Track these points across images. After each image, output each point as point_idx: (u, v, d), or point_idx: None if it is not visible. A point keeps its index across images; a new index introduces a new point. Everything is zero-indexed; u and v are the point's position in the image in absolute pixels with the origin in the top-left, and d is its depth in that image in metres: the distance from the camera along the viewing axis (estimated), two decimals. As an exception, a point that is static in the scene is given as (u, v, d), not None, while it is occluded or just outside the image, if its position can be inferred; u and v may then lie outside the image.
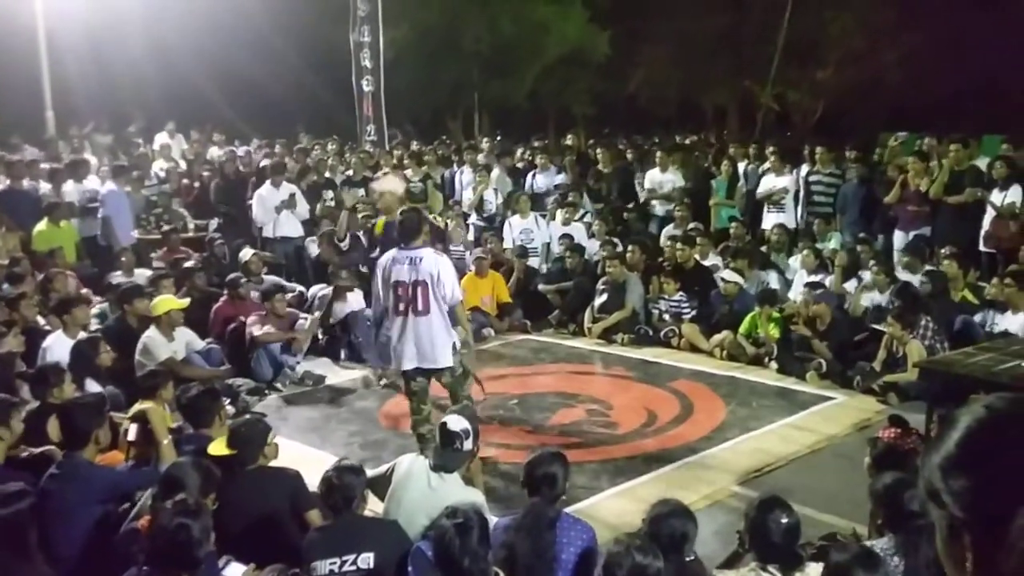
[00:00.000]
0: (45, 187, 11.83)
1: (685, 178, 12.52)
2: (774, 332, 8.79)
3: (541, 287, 10.93)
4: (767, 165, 12.12)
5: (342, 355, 9.38)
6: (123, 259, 10.03)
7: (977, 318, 8.08)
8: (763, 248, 10.77)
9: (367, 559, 4.03)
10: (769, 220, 11.37)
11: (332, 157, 15.08)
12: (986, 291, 8.33)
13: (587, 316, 10.09)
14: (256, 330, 8.61)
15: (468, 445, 4.62)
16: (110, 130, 17.85)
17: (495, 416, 7.58)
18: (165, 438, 5.01)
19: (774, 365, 8.63)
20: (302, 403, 8.23)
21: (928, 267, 9.08)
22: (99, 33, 19.65)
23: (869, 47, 26.30)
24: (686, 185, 12.37)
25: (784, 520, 3.55)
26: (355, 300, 9.77)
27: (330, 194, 12.91)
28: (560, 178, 13.04)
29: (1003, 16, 21.55)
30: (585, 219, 12.06)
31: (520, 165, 14.03)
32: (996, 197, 9.52)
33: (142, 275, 9.69)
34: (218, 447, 4.72)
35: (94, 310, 8.70)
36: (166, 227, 11.61)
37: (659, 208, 12.34)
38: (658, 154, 12.87)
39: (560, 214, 11.83)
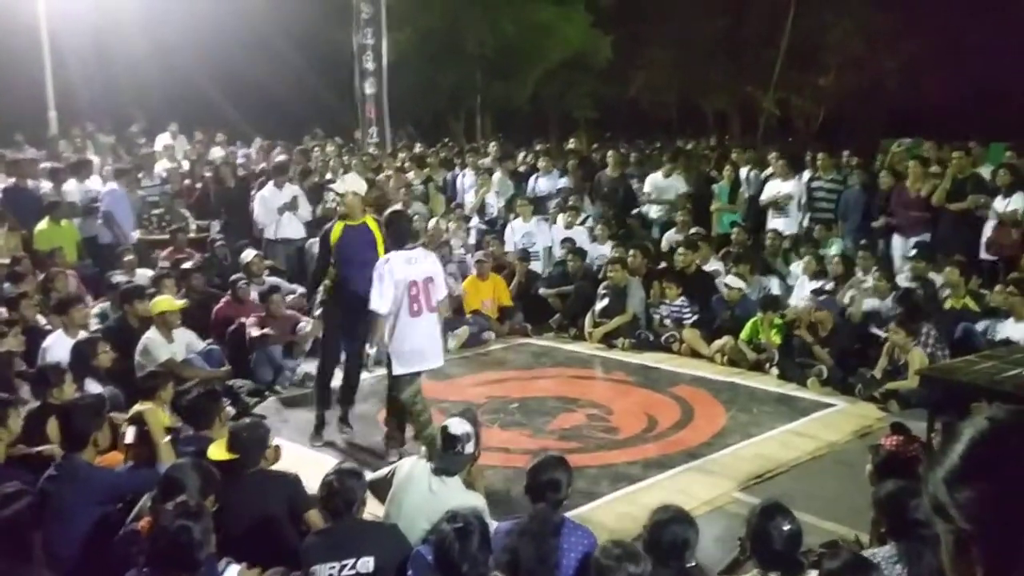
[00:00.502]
0: (47, 186, 11.83)
1: (687, 183, 12.52)
2: (776, 338, 8.78)
3: (542, 291, 10.93)
4: (770, 170, 12.13)
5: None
6: (125, 259, 10.02)
7: (979, 326, 8.06)
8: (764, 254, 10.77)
9: (367, 563, 4.02)
10: (773, 226, 11.37)
11: (333, 159, 15.09)
12: (988, 299, 8.32)
13: (588, 320, 10.08)
14: (255, 331, 8.60)
15: (470, 449, 4.62)
16: (112, 130, 17.86)
17: (495, 419, 7.57)
18: (163, 439, 5.00)
19: (775, 371, 8.62)
20: (302, 405, 8.20)
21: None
22: (102, 34, 19.70)
23: (870, 53, 26.36)
24: (688, 190, 12.38)
25: (786, 527, 3.54)
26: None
27: (331, 195, 12.92)
28: (563, 182, 13.04)
29: (1003, 23, 21.59)
30: (587, 223, 12.06)
31: (522, 168, 14.03)
32: (999, 204, 9.52)
33: (144, 275, 9.69)
34: (218, 451, 4.70)
35: (95, 309, 8.70)
36: (174, 226, 11.61)
37: (654, 212, 12.34)
38: (664, 159, 12.86)
39: (562, 218, 11.83)
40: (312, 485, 4.70)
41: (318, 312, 7.46)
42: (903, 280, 9.19)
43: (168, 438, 5.00)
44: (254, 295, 9.27)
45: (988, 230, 9.68)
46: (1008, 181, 9.58)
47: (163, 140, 16.88)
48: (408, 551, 4.20)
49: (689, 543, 3.75)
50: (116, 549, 4.07)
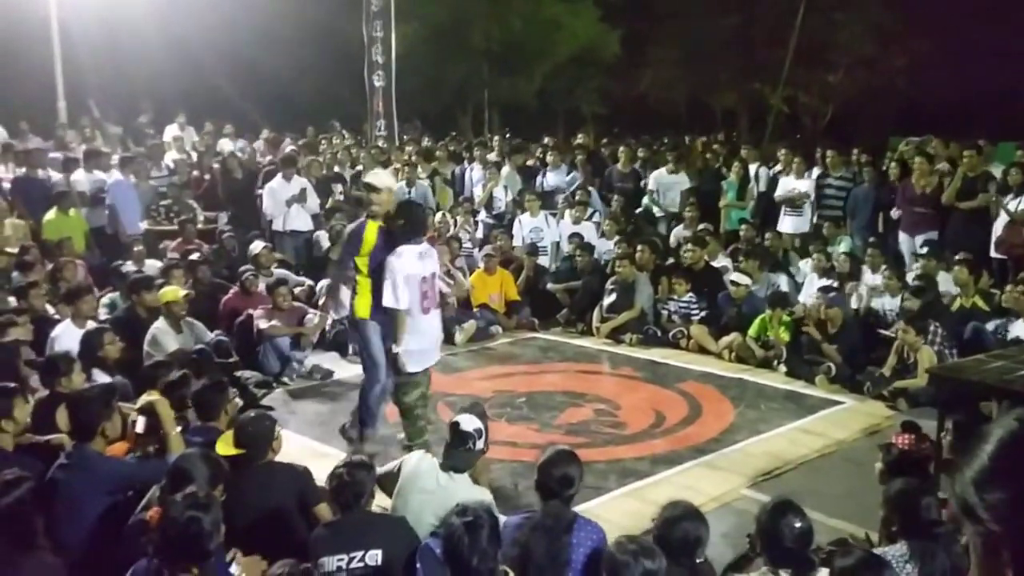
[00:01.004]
0: (57, 176, 11.85)
1: (691, 178, 12.51)
2: (784, 335, 8.76)
3: (550, 286, 10.92)
4: (779, 167, 12.11)
5: (350, 349, 9.36)
6: (134, 249, 10.03)
7: (989, 326, 8.03)
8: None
9: (375, 556, 4.01)
10: (786, 223, 11.36)
11: (341, 151, 15.08)
12: (1000, 298, 8.29)
13: (595, 315, 10.07)
14: (263, 323, 8.61)
15: (480, 445, 4.59)
16: (120, 120, 17.87)
17: (502, 414, 7.57)
18: (173, 429, 5.00)
19: (783, 368, 8.60)
20: (309, 397, 8.22)
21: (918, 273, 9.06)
22: (112, 24, 19.69)
23: (879, 51, 26.28)
24: (692, 186, 12.36)
25: (797, 524, 3.52)
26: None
27: (339, 188, 12.92)
28: (573, 176, 13.03)
29: (1013, 22, 21.51)
30: (595, 218, 12.04)
31: (530, 163, 14.02)
32: (1011, 204, 9.49)
33: (152, 266, 9.70)
34: (225, 446, 4.69)
35: (104, 299, 8.72)
36: (182, 217, 11.62)
37: (663, 206, 12.33)
38: (669, 156, 12.84)
39: (570, 213, 11.81)
40: (319, 476, 4.71)
41: (347, 319, 6.95)
42: (911, 279, 9.15)
43: (178, 429, 4.99)
44: (262, 287, 9.28)
45: (998, 228, 9.65)
46: (1019, 180, 9.55)
47: (171, 131, 16.88)
48: (416, 544, 4.18)
49: (701, 540, 3.73)
50: (125, 538, 4.07)
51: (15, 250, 9.58)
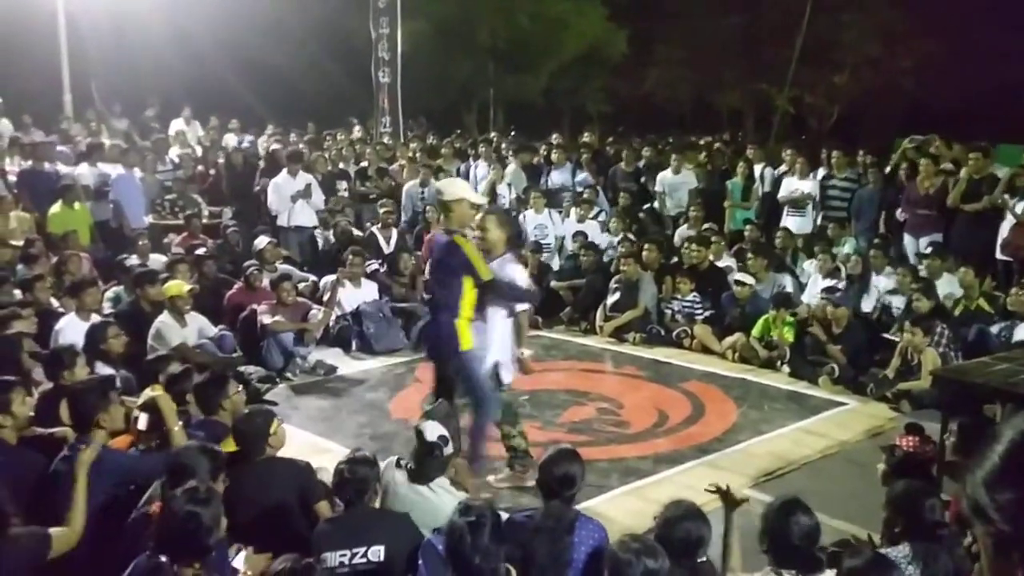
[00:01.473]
0: (64, 169, 11.86)
1: (699, 179, 12.49)
2: (788, 335, 8.75)
3: (554, 284, 10.90)
4: (784, 168, 12.09)
5: (353, 345, 9.38)
6: (139, 243, 10.04)
7: (994, 329, 8.02)
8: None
9: (377, 552, 4.00)
10: (789, 223, 11.34)
11: (346, 147, 15.07)
12: (1005, 301, 8.27)
13: (599, 314, 10.07)
14: (267, 319, 8.61)
15: (448, 450, 4.49)
16: (124, 114, 17.88)
17: (505, 411, 7.55)
18: (175, 425, 5.00)
19: (786, 368, 8.59)
20: (313, 393, 8.23)
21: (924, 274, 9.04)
22: (119, 17, 19.70)
23: (886, 52, 26.25)
24: (699, 186, 12.35)
25: (804, 523, 3.52)
26: (368, 291, 9.78)
27: (344, 184, 12.92)
28: (580, 176, 13.02)
29: (1018, 24, 21.48)
30: (600, 217, 12.03)
31: (536, 161, 14.02)
32: (1019, 206, 9.47)
33: (157, 260, 9.71)
34: (229, 444, 4.71)
35: (108, 293, 8.73)
36: (187, 212, 11.63)
37: (670, 207, 12.32)
38: (673, 156, 12.83)
39: (575, 211, 11.80)
40: (321, 472, 4.71)
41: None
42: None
43: (180, 424, 4.99)
44: (266, 282, 9.28)
45: (1004, 230, 9.62)
46: (1025, 184, 9.54)
47: (176, 125, 16.91)
48: (419, 540, 4.18)
49: (702, 540, 3.72)
50: (128, 532, 4.07)
51: (20, 243, 9.59)
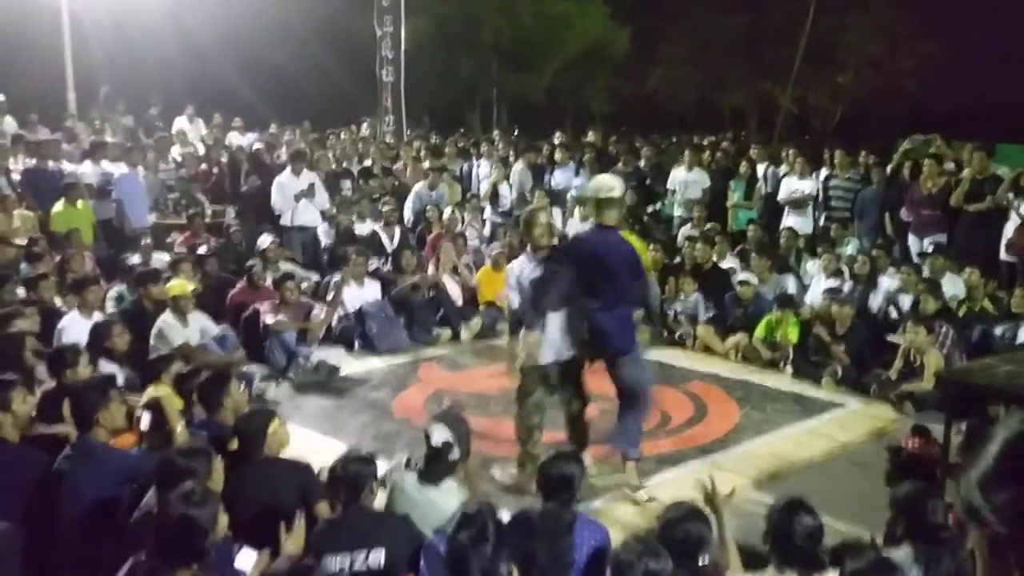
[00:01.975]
0: (69, 167, 11.86)
1: (710, 177, 12.49)
2: (791, 336, 8.73)
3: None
4: (786, 168, 12.08)
5: (356, 345, 9.38)
6: (142, 242, 10.04)
7: (997, 330, 8.00)
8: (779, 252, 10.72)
9: (378, 556, 3.98)
10: (790, 223, 11.32)
11: (349, 146, 15.07)
12: (1010, 302, 8.25)
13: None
14: (269, 318, 8.61)
15: (455, 454, 4.51)
16: (127, 112, 17.89)
17: (508, 411, 7.53)
18: (178, 424, 5.00)
19: (789, 369, 8.58)
20: (315, 392, 8.22)
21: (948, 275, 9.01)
22: (122, 16, 19.73)
23: (888, 52, 26.26)
24: (711, 184, 12.35)
25: (807, 523, 3.51)
26: (371, 290, 9.77)
27: (348, 183, 12.92)
28: (580, 180, 13.00)
29: (1019, 26, 21.47)
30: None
31: (539, 161, 14.02)
32: (1023, 207, 9.46)
33: (159, 259, 9.71)
34: (235, 443, 4.72)
35: (111, 292, 8.73)
36: (190, 211, 11.63)
37: (678, 210, 12.30)
38: (686, 153, 12.80)
39: (579, 210, 11.78)
40: (323, 472, 4.70)
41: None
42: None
43: (183, 423, 4.99)
44: (269, 281, 9.28)
45: (1009, 231, 9.61)
46: (1032, 184, 9.53)
47: (179, 123, 16.91)
48: (420, 541, 4.17)
49: (703, 540, 3.72)
50: (131, 531, 4.07)
51: (23, 241, 9.60)
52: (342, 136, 16.94)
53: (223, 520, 3.69)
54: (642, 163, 13.35)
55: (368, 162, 14.12)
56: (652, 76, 29.32)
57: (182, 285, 7.94)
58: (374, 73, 18.05)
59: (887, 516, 4.23)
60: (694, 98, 30.73)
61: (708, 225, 11.42)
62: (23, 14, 18.40)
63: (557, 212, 11.93)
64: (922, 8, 24.02)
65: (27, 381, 5.40)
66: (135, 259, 9.73)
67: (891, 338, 8.22)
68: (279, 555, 4.01)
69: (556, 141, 14.81)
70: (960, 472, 1.22)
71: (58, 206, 10.49)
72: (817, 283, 9.66)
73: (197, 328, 7.89)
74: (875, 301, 9.22)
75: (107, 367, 6.48)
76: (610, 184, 5.96)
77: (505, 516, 4.14)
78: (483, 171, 13.60)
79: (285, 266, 10.04)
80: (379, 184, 13.28)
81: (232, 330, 8.50)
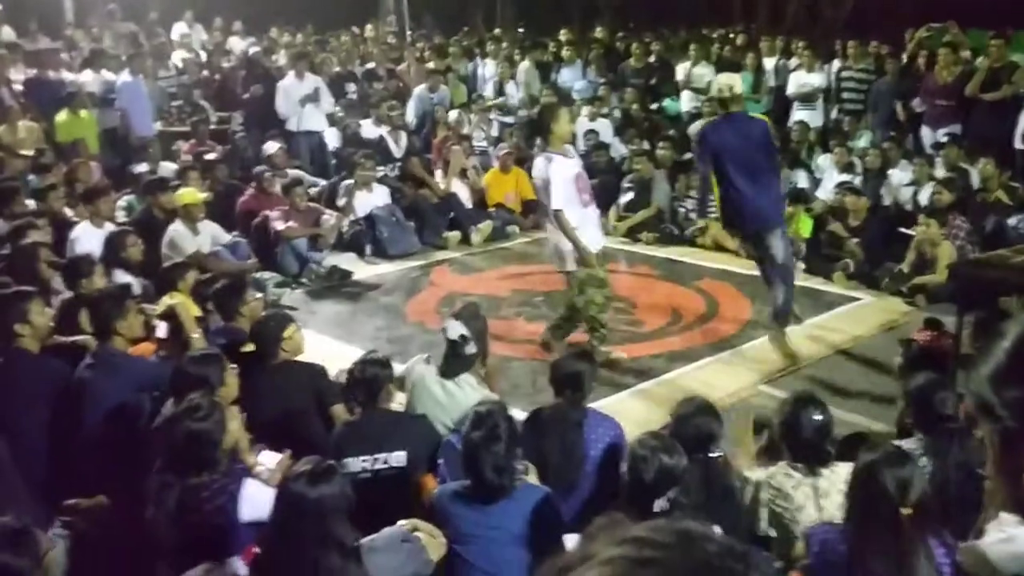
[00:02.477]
0: (70, 77, 11.70)
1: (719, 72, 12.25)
2: (803, 231, 8.69)
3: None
4: (797, 61, 11.84)
5: (367, 250, 9.39)
6: (149, 151, 9.97)
7: (1011, 220, 7.93)
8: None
9: (400, 457, 4.05)
10: (798, 117, 11.14)
11: (351, 48, 14.79)
12: (1022, 192, 8.16)
13: (612, 214, 10.01)
14: (279, 225, 8.61)
15: (471, 349, 4.53)
16: (129, 18, 17.52)
17: (521, 312, 7.61)
18: (195, 332, 5.05)
19: (801, 265, 8.55)
20: (329, 298, 8.28)
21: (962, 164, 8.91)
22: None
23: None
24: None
25: (817, 417, 3.56)
26: (380, 195, 9.73)
27: (352, 87, 12.72)
28: (587, 84, 12.78)
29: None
30: (612, 115, 11.85)
31: (545, 59, 13.75)
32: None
33: (167, 167, 9.66)
34: (249, 346, 4.78)
35: (120, 201, 8.71)
36: (194, 118, 11.49)
37: (686, 103, 12.08)
38: (692, 47, 12.53)
39: (586, 109, 11.62)
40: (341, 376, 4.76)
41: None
42: (937, 172, 9.02)
43: (200, 331, 5.04)
44: (277, 188, 9.24)
45: (1024, 119, 9.46)
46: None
47: (179, 29, 16.58)
48: (438, 441, 4.25)
49: (713, 435, 3.78)
50: (153, 438, 4.15)
51: (30, 152, 9.54)
52: (343, 38, 16.59)
53: (234, 426, 3.75)
54: (652, 59, 13.05)
55: (372, 64, 13.86)
56: (660, -33, 28.45)
57: (193, 194, 7.91)
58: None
59: (897, 408, 4.29)
60: (703, -11, 29.87)
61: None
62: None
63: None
64: None
65: (44, 292, 5.45)
66: (142, 168, 9.68)
67: (904, 229, 8.18)
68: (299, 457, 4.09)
69: (562, 38, 14.48)
70: (972, 366, 1.22)
71: (62, 116, 10.38)
72: (829, 177, 9.56)
73: (208, 236, 7.89)
74: (888, 194, 9.15)
75: (122, 277, 6.52)
76: (730, 82, 6.47)
77: (520, 416, 4.21)
78: (489, 71, 13.36)
79: (293, 172, 9.98)
80: (383, 87, 13.07)
81: (243, 237, 8.51)
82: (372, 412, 4.23)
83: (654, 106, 12.57)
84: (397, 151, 10.91)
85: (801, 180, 9.72)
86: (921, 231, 7.77)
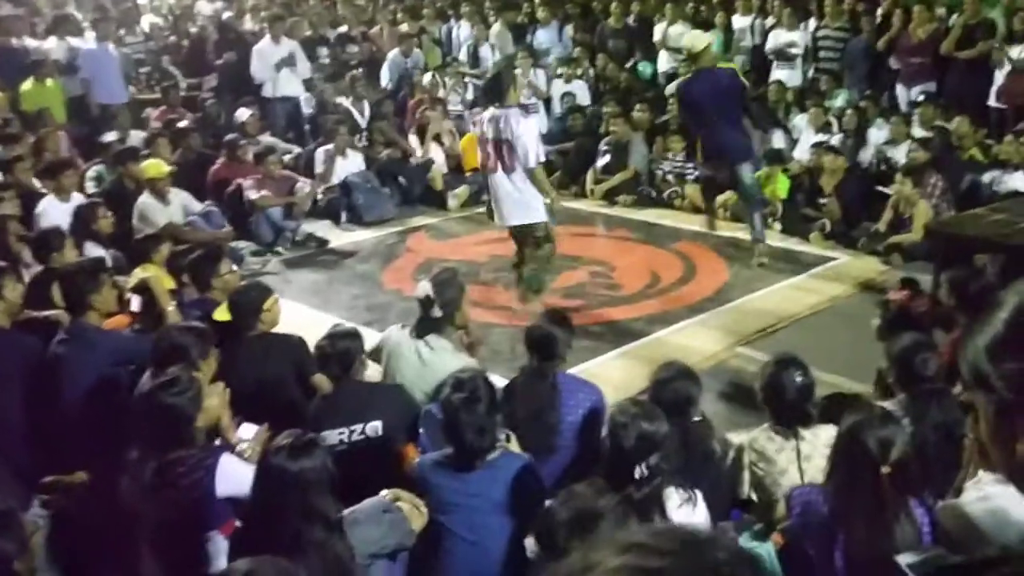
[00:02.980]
0: (34, 44, 11.43)
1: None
2: (780, 191, 8.69)
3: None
4: (773, 20, 11.77)
5: (343, 217, 9.31)
6: (117, 119, 9.78)
7: (985, 178, 7.95)
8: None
9: (375, 427, 4.03)
10: (778, 76, 11.09)
11: (321, 10, 14.52)
12: (996, 150, 8.18)
13: (589, 177, 9.96)
14: (253, 194, 8.50)
15: (436, 312, 4.49)
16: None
17: (499, 279, 7.57)
18: (169, 305, 4.99)
19: (778, 226, 8.56)
20: (305, 266, 8.22)
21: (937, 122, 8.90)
22: None
23: None
24: None
25: (798, 379, 3.57)
26: (355, 161, 9.63)
27: (324, 51, 12.52)
28: (559, 44, 12.64)
29: None
30: (587, 76, 11.75)
31: (520, 20, 13.59)
32: (1014, 51, 9.27)
33: (137, 136, 9.49)
34: (222, 313, 4.71)
35: (90, 172, 8.56)
36: (164, 84, 11.27)
37: (665, 63, 11.99)
38: (668, 6, 12.42)
39: (564, 70, 11.52)
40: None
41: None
42: (915, 130, 9.02)
43: (174, 303, 4.98)
44: (250, 155, 9.11)
45: (1000, 77, 9.46)
46: (1024, 27, 9.31)
47: (145, -8, 16.24)
48: (416, 410, 4.23)
49: (692, 399, 3.79)
50: (128, 413, 4.10)
51: (-2, 122, 9.34)
52: (311, 1, 16.29)
53: (216, 403, 3.70)
54: (631, 19, 12.90)
55: (344, 28, 13.64)
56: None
57: (157, 166, 7.69)
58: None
59: (876, 367, 4.31)
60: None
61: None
62: None
63: (541, 74, 11.65)
64: None
65: (14, 267, 5.36)
66: (111, 137, 9.50)
67: (881, 188, 8.19)
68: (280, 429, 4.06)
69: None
70: (965, 335, 1.20)
71: (27, 85, 10.15)
72: (806, 137, 9.55)
73: (179, 206, 7.75)
74: (865, 154, 9.15)
75: (93, 249, 6.42)
76: (699, 38, 7.60)
77: (500, 382, 4.19)
78: (464, 33, 13.19)
79: (265, 139, 9.84)
80: (358, 51, 12.88)
81: (216, 206, 8.40)
82: (345, 384, 4.19)
83: (627, 65, 12.47)
84: (362, 120, 10.75)
85: (778, 140, 9.69)
86: (896, 190, 7.78)
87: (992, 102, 9.57)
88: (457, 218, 9.51)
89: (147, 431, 3.47)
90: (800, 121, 10.02)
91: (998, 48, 9.45)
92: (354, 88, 10.93)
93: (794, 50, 11.11)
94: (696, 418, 3.85)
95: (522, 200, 6.33)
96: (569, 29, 12.91)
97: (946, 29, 10.03)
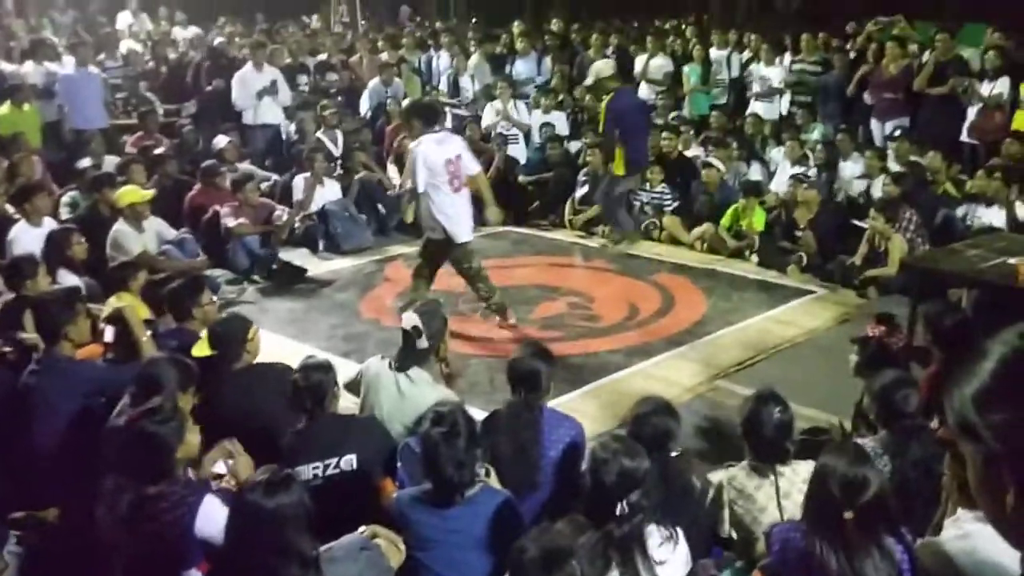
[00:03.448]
0: (10, 68, 11.35)
1: (676, 64, 12.30)
2: (757, 224, 8.75)
3: (521, 178, 10.73)
4: (749, 54, 11.91)
5: (320, 246, 9.26)
6: (92, 145, 9.71)
7: (958, 212, 8.05)
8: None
9: (350, 461, 3.95)
10: (756, 109, 11.22)
11: (302, 39, 14.55)
12: (970, 185, 8.28)
13: (568, 208, 9.99)
14: (230, 221, 8.43)
15: (423, 343, 4.44)
16: (68, 7, 17.09)
17: (476, 308, 7.55)
18: (143, 335, 4.92)
19: (755, 258, 8.62)
20: (282, 295, 8.14)
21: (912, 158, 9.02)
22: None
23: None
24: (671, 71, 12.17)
25: (777, 415, 3.56)
26: (332, 189, 9.60)
27: (304, 79, 12.53)
28: (538, 74, 12.72)
29: None
30: (566, 107, 11.82)
31: (499, 51, 13.67)
32: (984, 88, 9.43)
33: (112, 162, 9.40)
34: (202, 347, 4.63)
35: (65, 198, 8.47)
36: (141, 110, 11.19)
37: (644, 95, 12.08)
38: (649, 40, 12.54)
39: (543, 101, 11.57)
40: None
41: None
42: (891, 164, 9.13)
43: (148, 333, 4.92)
44: (227, 183, 9.05)
45: (972, 114, 9.61)
46: (997, 64, 9.46)
47: (124, 19, 16.23)
48: (392, 444, 4.17)
49: (671, 433, 3.77)
50: (100, 444, 4.04)
51: (-31, 148, 9.24)
52: (291, 29, 16.34)
53: (194, 439, 3.63)
54: (609, 51, 13.02)
55: (324, 56, 13.67)
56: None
57: (136, 191, 7.62)
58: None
59: (853, 401, 4.32)
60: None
61: (673, 114, 11.28)
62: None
63: (523, 105, 11.68)
64: None
65: (-13, 294, 5.28)
66: (86, 163, 9.42)
67: (856, 222, 8.27)
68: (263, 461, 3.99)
69: (516, 30, 14.40)
70: (951, 384, 1.19)
71: (3, 109, 10.08)
72: (782, 170, 9.64)
73: (153, 233, 7.67)
74: (840, 187, 9.24)
75: (66, 277, 6.34)
76: (603, 68, 9.24)
77: (479, 415, 4.15)
78: (443, 63, 13.25)
79: (243, 167, 9.80)
80: (337, 79, 12.89)
81: (192, 234, 8.33)
82: (319, 417, 4.11)
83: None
84: (336, 150, 10.72)
85: (755, 172, 9.78)
86: (870, 224, 7.85)
87: (964, 137, 9.71)
88: (435, 247, 9.48)
89: (126, 460, 3.41)
90: (777, 154, 10.13)
91: (967, 85, 9.60)
92: (323, 118, 10.90)
93: (776, 84, 11.27)
94: (675, 452, 3.84)
95: (432, 218, 6.82)
96: (548, 60, 12.99)
97: (919, 65, 10.19)
